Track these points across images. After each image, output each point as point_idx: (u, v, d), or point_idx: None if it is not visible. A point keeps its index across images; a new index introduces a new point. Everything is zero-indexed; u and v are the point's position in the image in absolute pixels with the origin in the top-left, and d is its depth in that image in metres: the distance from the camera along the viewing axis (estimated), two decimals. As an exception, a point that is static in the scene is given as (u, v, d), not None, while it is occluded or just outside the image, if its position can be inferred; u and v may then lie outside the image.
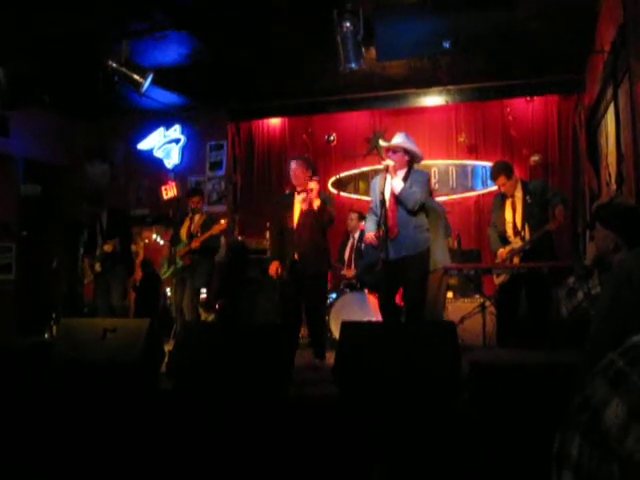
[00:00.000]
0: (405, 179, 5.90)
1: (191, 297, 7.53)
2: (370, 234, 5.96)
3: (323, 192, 6.55)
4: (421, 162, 6.36)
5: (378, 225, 5.85)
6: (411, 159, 6.02)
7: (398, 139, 6.05)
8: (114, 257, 7.49)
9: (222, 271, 8.65)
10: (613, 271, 2.17)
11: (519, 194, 6.31)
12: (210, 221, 7.62)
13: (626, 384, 0.89)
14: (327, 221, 6.21)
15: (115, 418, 4.22)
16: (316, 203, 6.02)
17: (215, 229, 7.32)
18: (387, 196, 5.87)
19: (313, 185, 6.08)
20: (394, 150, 5.98)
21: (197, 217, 7.71)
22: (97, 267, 7.55)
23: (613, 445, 0.85)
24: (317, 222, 6.15)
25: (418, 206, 5.82)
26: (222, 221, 7.40)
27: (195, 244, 7.41)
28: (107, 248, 7.42)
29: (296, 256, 6.13)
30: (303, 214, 6.21)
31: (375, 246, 5.97)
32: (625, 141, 5.66)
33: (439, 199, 8.38)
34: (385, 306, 5.97)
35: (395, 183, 5.86)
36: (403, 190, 5.81)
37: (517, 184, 6.37)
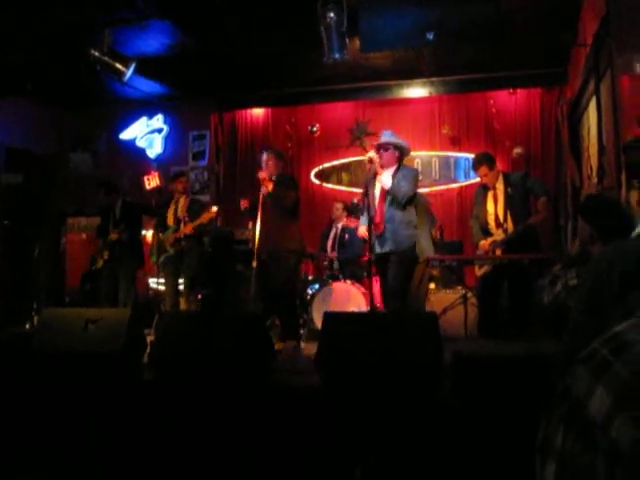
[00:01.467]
0: (394, 175, 5.96)
1: (188, 285, 7.49)
2: (362, 228, 6.11)
3: (281, 175, 6.70)
4: (409, 155, 6.42)
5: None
6: (401, 155, 6.08)
7: (388, 137, 6.11)
8: (122, 246, 7.61)
9: (206, 261, 8.61)
10: (592, 262, 2.18)
11: (500, 186, 6.33)
12: (196, 206, 7.58)
13: (609, 373, 0.89)
14: (289, 204, 6.40)
15: (97, 409, 4.21)
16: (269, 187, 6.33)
17: (205, 217, 7.24)
18: (377, 192, 5.95)
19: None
20: (385, 148, 6.02)
21: (182, 200, 7.62)
22: (105, 255, 7.69)
23: (597, 435, 0.86)
24: (277, 205, 6.36)
25: (407, 199, 5.87)
26: (213, 209, 7.33)
27: (187, 230, 7.32)
28: (113, 236, 7.61)
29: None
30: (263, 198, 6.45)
31: (366, 240, 6.06)
32: (607, 134, 5.69)
33: (422, 190, 8.41)
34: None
35: (384, 179, 5.90)
36: (393, 185, 5.87)
37: (499, 176, 6.40)
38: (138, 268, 7.96)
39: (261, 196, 6.39)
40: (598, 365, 0.92)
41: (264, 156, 6.67)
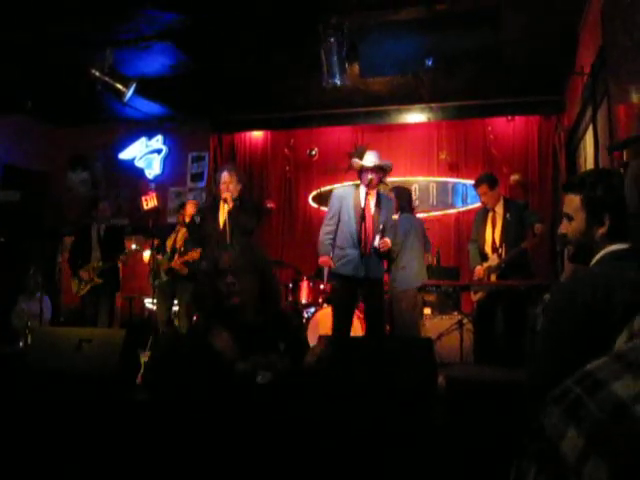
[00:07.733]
0: (379, 204, 5.99)
1: (185, 311, 7.47)
2: (326, 258, 5.91)
3: (245, 200, 6.49)
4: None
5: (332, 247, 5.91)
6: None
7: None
8: (107, 272, 7.65)
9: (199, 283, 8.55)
10: (553, 294, 2.16)
11: (500, 210, 6.37)
12: (194, 239, 7.48)
13: (583, 413, 0.86)
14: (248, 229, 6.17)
15: (90, 429, 4.18)
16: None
17: (189, 256, 7.22)
18: (372, 212, 5.90)
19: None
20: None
21: (183, 230, 7.61)
22: (96, 279, 7.61)
23: (570, 477, 0.83)
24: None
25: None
26: (195, 252, 7.13)
27: (174, 264, 7.36)
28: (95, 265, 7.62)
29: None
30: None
31: (330, 268, 5.99)
32: (603, 163, 5.71)
33: (419, 215, 8.42)
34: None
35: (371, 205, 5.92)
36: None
37: (500, 199, 6.43)
38: (117, 292, 8.08)
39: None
40: (571, 404, 0.89)
41: (225, 175, 6.18)
